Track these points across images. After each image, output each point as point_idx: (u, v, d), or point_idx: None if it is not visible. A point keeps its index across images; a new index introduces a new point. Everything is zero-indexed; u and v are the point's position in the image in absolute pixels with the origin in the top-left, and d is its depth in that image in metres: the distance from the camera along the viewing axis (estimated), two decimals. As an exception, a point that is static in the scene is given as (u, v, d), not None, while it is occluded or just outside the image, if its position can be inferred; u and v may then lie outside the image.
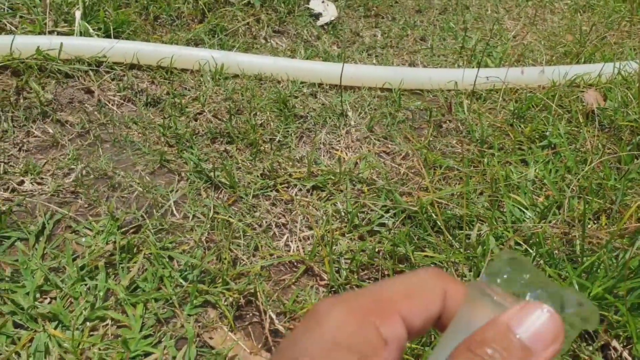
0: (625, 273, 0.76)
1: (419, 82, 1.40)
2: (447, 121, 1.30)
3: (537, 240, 0.87)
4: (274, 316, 0.82)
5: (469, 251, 0.90)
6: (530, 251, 0.87)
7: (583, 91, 1.40)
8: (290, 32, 1.62)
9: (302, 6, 1.72)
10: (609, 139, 1.23)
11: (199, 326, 0.80)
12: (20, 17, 1.43)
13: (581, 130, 1.24)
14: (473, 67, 1.50)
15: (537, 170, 1.12)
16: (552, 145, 1.20)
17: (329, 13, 1.68)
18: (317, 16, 1.68)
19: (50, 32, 1.39)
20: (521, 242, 0.90)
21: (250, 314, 0.83)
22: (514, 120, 1.29)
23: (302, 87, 1.37)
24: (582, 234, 0.86)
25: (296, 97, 1.33)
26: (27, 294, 0.81)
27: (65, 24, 1.42)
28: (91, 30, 1.39)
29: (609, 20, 1.86)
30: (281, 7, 1.69)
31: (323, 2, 1.72)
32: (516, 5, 1.97)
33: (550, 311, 0.27)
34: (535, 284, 0.28)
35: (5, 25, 1.38)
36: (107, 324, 0.79)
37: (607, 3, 2.00)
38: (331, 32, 1.64)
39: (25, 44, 1.26)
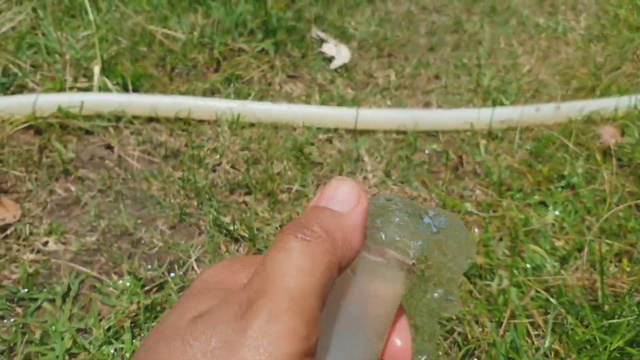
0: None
1: (434, 124, 1.43)
2: (465, 163, 1.32)
3: (558, 289, 0.88)
4: None
5: (490, 302, 0.91)
6: (552, 300, 0.88)
7: (600, 127, 1.42)
8: (304, 76, 1.67)
9: (315, 50, 1.77)
10: (628, 177, 1.25)
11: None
12: (41, 74, 1.49)
13: (599, 169, 1.25)
14: (488, 106, 1.52)
15: (556, 213, 1.13)
16: (571, 186, 1.22)
17: (342, 56, 1.72)
18: (330, 59, 1.72)
19: (71, 88, 1.45)
20: (542, 291, 0.91)
21: None
22: (532, 160, 1.31)
23: (318, 133, 1.40)
24: (601, 281, 0.87)
25: (312, 144, 1.36)
26: (57, 357, 0.84)
27: (85, 79, 1.48)
28: (110, 85, 1.44)
29: (623, 50, 1.88)
30: (295, 51, 1.74)
31: (336, 45, 1.76)
32: (530, 37, 2.00)
33: (344, 179, 0.33)
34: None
35: (28, 83, 1.44)
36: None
37: (620, 32, 2.02)
38: (345, 75, 1.68)
39: (47, 102, 1.32)
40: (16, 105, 1.31)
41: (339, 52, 1.74)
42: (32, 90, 1.43)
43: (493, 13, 2.19)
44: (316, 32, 1.82)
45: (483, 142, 1.38)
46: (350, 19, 2.01)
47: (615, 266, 1.03)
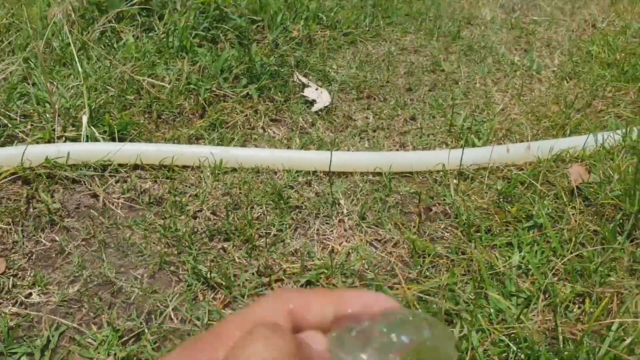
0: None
1: (407, 165, 1.44)
2: (437, 204, 1.34)
3: (518, 335, 0.89)
4: None
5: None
6: (512, 346, 0.89)
7: (568, 166, 1.44)
8: (286, 120, 1.69)
9: (297, 94, 1.79)
10: (593, 217, 1.26)
11: None
12: (32, 124, 1.51)
13: (566, 209, 1.26)
14: (461, 146, 1.54)
15: (522, 254, 1.14)
16: (539, 226, 1.23)
17: (323, 99, 1.75)
18: (312, 103, 1.74)
19: (59, 138, 1.47)
20: (503, 337, 0.91)
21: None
22: (501, 200, 1.32)
23: (298, 176, 1.42)
24: (556, 324, 0.88)
25: (292, 188, 1.38)
26: (32, 413, 0.84)
27: (73, 128, 1.50)
28: (97, 134, 1.46)
29: (594, 87, 1.91)
30: (278, 96, 1.76)
31: (317, 89, 1.79)
32: (504, 76, 2.03)
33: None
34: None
35: (18, 134, 1.46)
36: None
37: (592, 69, 2.05)
38: (325, 118, 1.70)
39: (36, 153, 1.34)
40: (5, 156, 1.33)
41: (320, 96, 1.76)
42: (22, 140, 1.45)
43: (470, 52, 2.23)
44: (298, 77, 1.84)
45: (455, 182, 1.40)
46: (331, 62, 2.04)
47: (579, 307, 1.04)
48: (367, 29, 2.34)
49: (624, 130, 1.51)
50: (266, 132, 1.63)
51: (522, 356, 0.88)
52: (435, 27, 2.41)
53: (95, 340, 0.97)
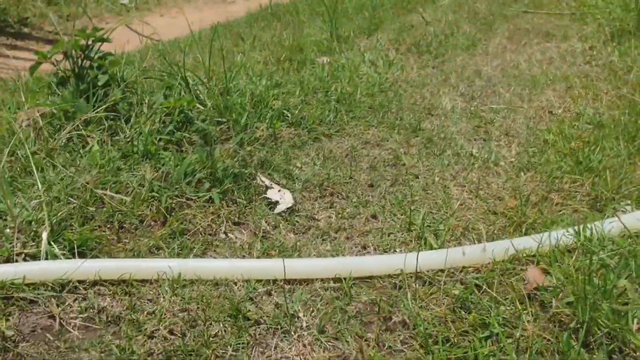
0: None
1: (366, 270, 1.47)
2: (397, 312, 1.35)
3: None
4: None
5: None
6: None
7: (525, 268, 1.47)
8: (249, 223, 1.71)
9: (260, 195, 1.83)
10: (548, 324, 1.28)
11: None
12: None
13: (521, 316, 1.29)
14: (420, 245, 1.58)
15: (479, 367, 1.15)
16: (495, 335, 1.24)
17: (286, 200, 1.78)
18: (275, 204, 1.78)
19: (18, 255, 1.47)
20: None
21: None
22: (458, 308, 1.34)
23: (258, 285, 1.43)
24: None
25: (251, 299, 1.39)
26: None
27: (33, 244, 1.50)
28: (57, 251, 1.47)
29: (551, 179, 1.97)
30: (241, 198, 1.80)
31: (279, 190, 1.83)
32: (463, 169, 2.10)
33: None
34: None
35: (-24, 253, 1.46)
36: None
37: (548, 160, 2.13)
38: (288, 220, 1.73)
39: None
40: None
41: (283, 197, 1.80)
42: (-20, 259, 1.44)
43: (430, 144, 2.30)
44: (261, 178, 1.89)
45: (414, 286, 1.42)
46: (295, 160, 2.10)
47: None
48: (331, 124, 2.42)
49: (577, 229, 1.55)
50: (228, 237, 1.65)
51: None
52: (397, 120, 2.50)
53: None
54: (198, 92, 2.34)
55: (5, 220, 1.59)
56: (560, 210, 1.79)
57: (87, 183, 1.69)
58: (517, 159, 2.18)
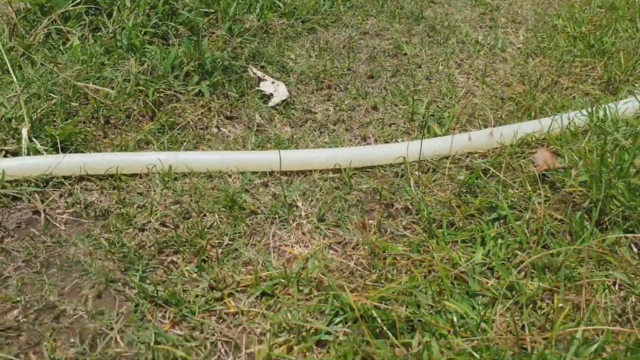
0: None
1: (367, 160, 1.39)
2: (398, 200, 1.29)
3: (482, 342, 0.84)
4: None
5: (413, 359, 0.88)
6: (475, 355, 0.85)
7: (534, 151, 1.39)
8: (242, 117, 1.62)
9: (253, 88, 1.73)
10: (560, 205, 1.22)
11: None
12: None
13: (531, 198, 1.22)
14: (421, 136, 1.50)
15: (487, 249, 1.10)
16: (503, 217, 1.19)
17: (280, 93, 1.68)
18: (269, 97, 1.68)
19: (-1, 152, 1.39)
20: (465, 345, 0.87)
21: None
22: (463, 192, 1.28)
23: (254, 178, 1.36)
24: (515, 332, 0.84)
25: (247, 191, 1.32)
26: None
27: (14, 141, 1.42)
28: (39, 146, 1.39)
29: (560, 64, 1.86)
30: (232, 92, 1.69)
31: (273, 82, 1.72)
32: (468, 57, 1.98)
33: None
34: None
35: (-47, 150, 1.38)
36: None
37: (558, 44, 2.01)
38: (283, 113, 1.64)
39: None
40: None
41: (277, 90, 1.70)
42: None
43: (433, 32, 2.17)
44: (253, 70, 1.78)
45: (416, 174, 1.35)
46: (289, 52, 1.98)
47: (547, 304, 1.00)
48: (327, 14, 2.27)
49: (589, 110, 1.47)
50: (220, 132, 1.56)
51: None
52: (397, 9, 2.35)
53: (33, 374, 0.91)
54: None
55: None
56: (571, 94, 1.69)
57: (69, 79, 1.59)
58: (525, 45, 2.06)
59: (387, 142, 1.52)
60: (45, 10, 1.97)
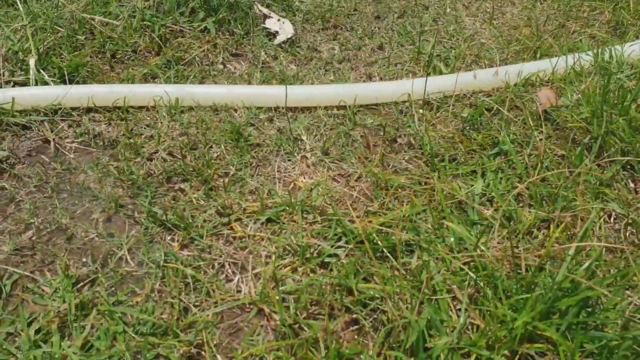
0: (558, 295, 0.77)
1: (372, 97, 1.40)
2: (402, 135, 1.31)
3: (479, 263, 0.88)
4: (223, 363, 0.84)
5: (412, 278, 0.91)
6: (471, 274, 0.88)
7: (537, 90, 1.40)
8: (247, 54, 1.63)
9: (259, 26, 1.72)
10: (560, 141, 1.24)
11: (150, 381, 0.82)
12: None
13: (533, 134, 1.24)
14: (429, 73, 1.50)
15: (487, 181, 1.13)
16: (504, 153, 1.21)
17: (285, 31, 1.68)
18: (274, 35, 1.68)
19: (7, 83, 1.40)
20: (462, 266, 0.91)
21: (201, 362, 0.85)
22: (467, 129, 1.30)
23: (259, 112, 1.38)
24: (512, 252, 0.87)
25: (252, 125, 1.34)
26: (-17, 363, 0.83)
27: (22, 72, 1.43)
28: (46, 78, 1.40)
29: (568, 8, 1.85)
30: (238, 29, 1.69)
31: (279, 20, 1.72)
32: (476, 0, 1.96)
33: None
34: None
35: (-38, 80, 1.40)
36: (60, 388, 0.81)
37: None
38: (289, 51, 1.64)
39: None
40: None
41: (283, 27, 1.70)
42: (-33, 87, 1.38)
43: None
44: (259, 7, 1.77)
45: (420, 112, 1.36)
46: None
47: (543, 234, 1.03)
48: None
49: (595, 52, 1.47)
50: (226, 68, 1.57)
51: (482, 284, 0.87)
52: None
53: (49, 287, 0.95)
54: None
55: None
56: (578, 38, 1.69)
57: (75, 11, 1.58)
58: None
59: (392, 79, 1.53)
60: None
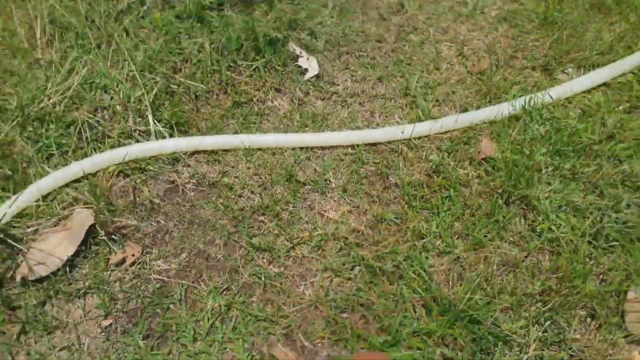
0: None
1: (371, 138, 2.13)
2: (392, 174, 2.07)
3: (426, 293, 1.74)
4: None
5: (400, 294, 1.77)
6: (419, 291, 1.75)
7: (480, 137, 2.14)
8: (287, 90, 2.30)
9: (293, 60, 2.37)
10: (489, 188, 2.02)
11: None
12: (108, 117, 2.14)
13: (471, 181, 2.02)
14: (412, 111, 2.21)
15: (440, 218, 1.93)
16: (452, 196, 1.99)
17: (312, 68, 2.33)
18: (305, 71, 2.33)
19: (134, 131, 2.11)
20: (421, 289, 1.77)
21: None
22: (432, 173, 2.06)
23: (301, 153, 2.12)
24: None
25: (297, 164, 2.09)
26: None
27: (140, 120, 2.13)
28: (160, 128, 2.11)
29: (521, 37, 2.47)
30: (279, 65, 2.34)
31: (308, 58, 2.36)
32: (454, 20, 2.56)
33: None
34: None
35: (105, 133, 2.10)
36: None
37: (526, 9, 2.57)
38: (316, 85, 2.31)
39: (121, 154, 2.01)
40: (109, 158, 2.01)
41: (310, 65, 2.34)
42: (105, 137, 2.09)
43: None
44: (293, 47, 2.39)
45: (405, 150, 2.11)
46: (317, 16, 2.54)
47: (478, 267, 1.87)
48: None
49: (523, 100, 2.17)
50: (274, 105, 2.26)
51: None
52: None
53: (205, 292, 1.81)
54: None
55: (109, 93, 2.18)
56: (519, 74, 2.35)
57: (166, 72, 2.23)
58: (499, 8, 2.61)
59: (387, 117, 2.24)
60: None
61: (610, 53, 2.34)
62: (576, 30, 2.43)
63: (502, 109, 2.16)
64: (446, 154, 2.10)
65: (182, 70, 2.25)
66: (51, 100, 2.08)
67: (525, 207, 1.94)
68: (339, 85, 2.34)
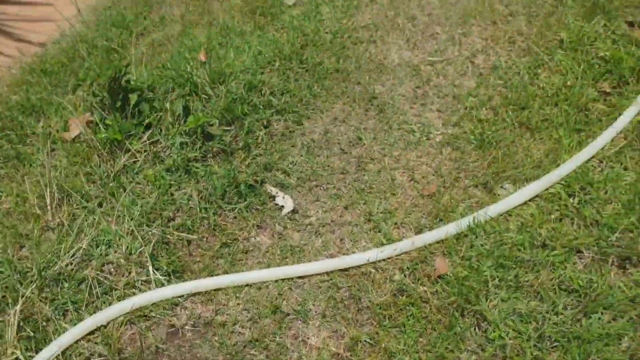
0: None
1: (342, 265, 2.45)
2: (364, 297, 2.37)
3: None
4: None
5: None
6: (396, 410, 2.02)
7: (434, 256, 2.46)
8: (266, 226, 2.63)
9: (271, 198, 2.71)
10: (447, 307, 2.32)
11: None
12: (114, 270, 2.44)
13: (430, 299, 2.32)
14: (375, 234, 2.53)
15: (405, 340, 2.22)
16: (411, 315, 2.29)
17: (288, 205, 2.67)
18: (281, 208, 2.67)
19: (136, 281, 2.41)
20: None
21: None
22: (396, 293, 2.36)
23: (283, 284, 2.42)
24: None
25: (281, 295, 2.39)
26: None
27: (141, 270, 2.43)
28: (160, 277, 2.41)
29: (463, 158, 2.84)
30: (258, 205, 2.68)
31: (283, 197, 2.70)
32: (405, 147, 2.93)
33: None
34: None
35: (113, 285, 2.40)
36: None
37: (465, 132, 2.95)
38: (292, 219, 2.64)
39: (128, 304, 2.31)
40: (118, 310, 2.30)
41: (286, 202, 2.68)
42: (112, 290, 2.39)
43: (382, 116, 3.08)
44: (270, 188, 2.74)
45: (373, 272, 2.41)
46: (288, 155, 2.90)
47: (431, 368, 2.15)
48: (307, 103, 3.14)
49: (469, 220, 2.51)
50: (257, 241, 2.58)
51: None
52: (356, 85, 3.22)
53: None
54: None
55: (112, 247, 2.50)
56: (464, 193, 2.70)
57: (160, 228, 2.56)
58: (442, 133, 2.99)
59: (355, 242, 2.56)
60: (120, 141, 2.84)
61: (539, 167, 2.70)
62: (509, 149, 2.80)
63: (450, 229, 2.49)
64: (407, 272, 2.41)
65: (175, 219, 2.59)
66: (64, 262, 2.39)
67: (478, 317, 2.24)
68: (312, 216, 2.67)
